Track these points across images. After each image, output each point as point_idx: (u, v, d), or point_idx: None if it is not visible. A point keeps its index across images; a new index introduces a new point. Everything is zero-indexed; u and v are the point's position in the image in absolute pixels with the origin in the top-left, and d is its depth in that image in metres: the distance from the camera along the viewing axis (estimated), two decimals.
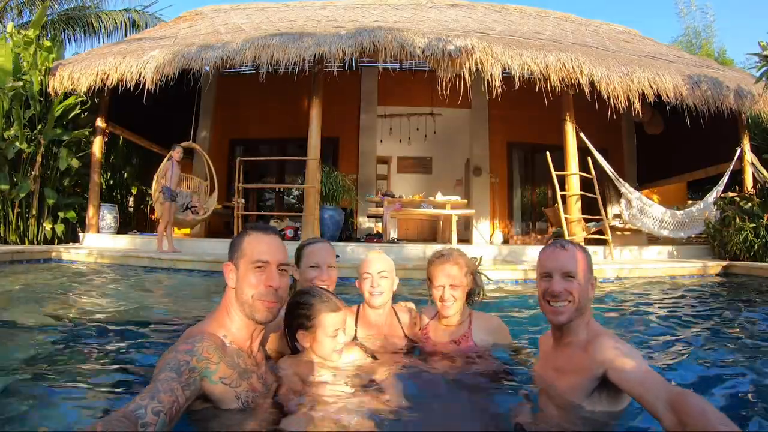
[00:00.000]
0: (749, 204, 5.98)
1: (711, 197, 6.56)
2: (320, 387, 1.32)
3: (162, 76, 6.04)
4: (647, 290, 4.10)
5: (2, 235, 6.31)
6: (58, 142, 6.63)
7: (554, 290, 1.27)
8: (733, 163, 6.72)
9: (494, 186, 9.35)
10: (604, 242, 6.15)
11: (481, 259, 1.82)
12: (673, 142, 8.27)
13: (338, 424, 1.13)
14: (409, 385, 1.43)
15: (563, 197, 6.37)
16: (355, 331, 1.74)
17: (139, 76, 6.09)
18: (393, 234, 8.68)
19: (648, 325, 2.59)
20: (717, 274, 5.03)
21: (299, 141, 7.65)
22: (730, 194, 6.57)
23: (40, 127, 6.41)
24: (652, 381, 1.02)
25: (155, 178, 6.38)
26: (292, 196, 10.41)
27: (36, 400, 1.31)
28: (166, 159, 6.13)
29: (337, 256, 1.86)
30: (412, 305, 1.91)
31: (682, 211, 6.49)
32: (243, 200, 7.12)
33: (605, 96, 5.96)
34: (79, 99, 6.66)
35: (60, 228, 6.58)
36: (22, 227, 6.42)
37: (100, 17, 10.86)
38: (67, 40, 10.47)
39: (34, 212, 6.44)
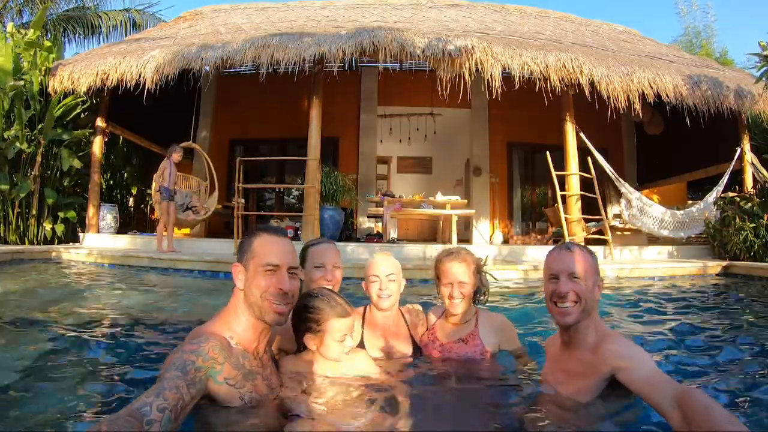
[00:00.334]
0: (749, 204, 5.98)
1: (711, 197, 6.56)
2: (323, 388, 1.32)
3: (162, 76, 6.04)
4: (647, 290, 4.10)
5: (2, 235, 6.31)
6: (58, 142, 6.63)
7: (561, 291, 1.28)
8: (733, 163, 6.73)
9: (494, 186, 9.35)
10: (604, 242, 6.15)
11: (487, 258, 1.83)
12: (673, 142, 8.27)
13: (340, 426, 1.13)
14: (414, 388, 1.44)
15: (563, 197, 6.37)
16: (362, 332, 1.74)
17: (139, 76, 6.09)
18: (393, 234, 8.69)
19: (648, 324, 2.59)
20: (717, 274, 5.03)
21: (299, 141, 7.65)
22: (730, 194, 6.57)
23: (40, 127, 6.41)
24: (660, 380, 1.03)
25: (154, 178, 6.38)
26: (292, 196, 10.41)
27: (36, 400, 1.31)
28: (165, 159, 6.13)
29: None
30: (419, 307, 1.92)
31: (682, 211, 6.49)
32: (243, 200, 7.11)
33: (605, 96, 5.97)
34: (79, 99, 6.66)
35: (60, 228, 6.59)
36: (22, 227, 6.42)
37: (100, 17, 10.87)
38: (67, 40, 10.46)
39: (34, 212, 6.44)
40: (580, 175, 6.44)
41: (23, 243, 6.36)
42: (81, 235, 6.84)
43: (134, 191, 9.08)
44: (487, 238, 8.98)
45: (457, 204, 7.29)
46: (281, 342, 1.54)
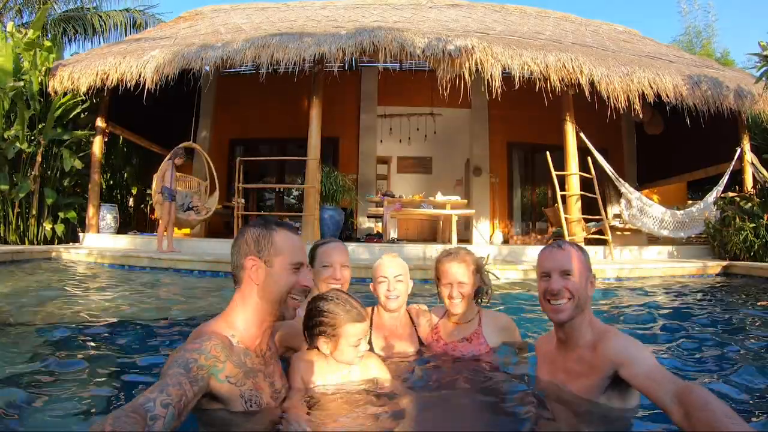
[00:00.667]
0: (749, 204, 5.98)
1: (711, 197, 6.56)
2: (328, 387, 1.32)
3: (162, 76, 6.04)
4: (647, 290, 4.10)
5: (2, 235, 6.31)
6: (58, 142, 6.64)
7: (553, 288, 1.29)
8: (733, 163, 6.73)
9: (494, 186, 9.35)
10: (604, 242, 6.15)
11: (488, 257, 1.84)
12: (673, 142, 8.27)
13: (343, 425, 1.13)
14: (420, 389, 1.44)
15: (563, 197, 6.38)
16: (370, 333, 1.74)
17: (139, 76, 6.10)
18: (393, 234, 8.69)
19: (648, 324, 2.59)
20: (717, 274, 5.04)
21: (299, 141, 7.65)
22: (730, 194, 6.58)
23: (40, 127, 6.42)
24: (660, 375, 1.04)
25: (155, 178, 6.38)
26: (292, 196, 10.42)
27: (37, 400, 1.31)
28: (166, 159, 6.13)
29: None
30: (425, 307, 1.92)
31: (682, 211, 6.50)
32: (243, 200, 7.12)
33: (605, 96, 5.97)
34: (79, 99, 6.66)
35: (60, 228, 6.59)
36: (22, 227, 6.42)
37: (100, 17, 10.88)
38: (67, 41, 10.48)
39: (34, 212, 6.44)
40: (580, 175, 6.44)
41: (23, 243, 6.36)
42: (81, 235, 6.84)
43: (134, 191, 9.08)
44: (487, 238, 8.98)
45: (457, 204, 7.29)
46: (287, 339, 1.54)
